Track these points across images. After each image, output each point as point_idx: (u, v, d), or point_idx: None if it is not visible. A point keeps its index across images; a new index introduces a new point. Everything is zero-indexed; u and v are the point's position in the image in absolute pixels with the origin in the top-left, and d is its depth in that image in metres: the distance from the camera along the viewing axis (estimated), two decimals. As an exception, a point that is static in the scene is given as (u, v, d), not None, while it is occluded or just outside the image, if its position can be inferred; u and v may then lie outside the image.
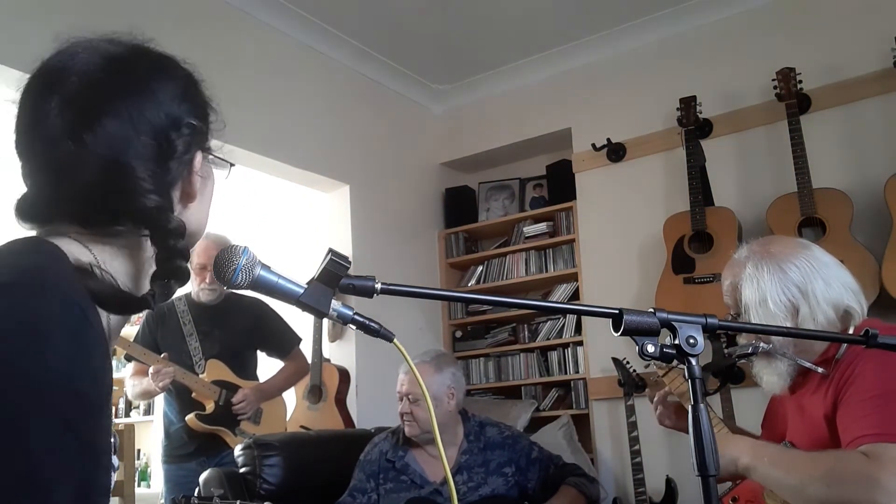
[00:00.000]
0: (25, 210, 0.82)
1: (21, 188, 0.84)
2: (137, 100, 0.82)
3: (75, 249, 0.79)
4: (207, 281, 3.00)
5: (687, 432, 0.95)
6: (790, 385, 1.62)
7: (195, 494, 2.04)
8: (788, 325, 1.55)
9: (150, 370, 2.84)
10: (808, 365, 1.56)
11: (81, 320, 0.70)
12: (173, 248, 0.82)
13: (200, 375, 2.98)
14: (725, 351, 1.69)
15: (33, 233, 0.83)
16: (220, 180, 0.96)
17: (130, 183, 0.79)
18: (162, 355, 2.90)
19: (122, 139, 0.80)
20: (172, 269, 0.82)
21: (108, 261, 0.81)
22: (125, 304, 0.80)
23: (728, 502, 1.67)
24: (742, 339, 1.66)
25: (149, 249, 0.84)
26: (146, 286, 0.85)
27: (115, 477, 0.87)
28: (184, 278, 0.84)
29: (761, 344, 1.59)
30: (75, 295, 0.72)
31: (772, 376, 1.61)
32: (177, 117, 0.84)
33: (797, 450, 1.56)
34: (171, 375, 2.85)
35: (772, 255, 1.61)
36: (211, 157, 0.91)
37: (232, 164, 0.96)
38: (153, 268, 0.83)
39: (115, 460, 0.82)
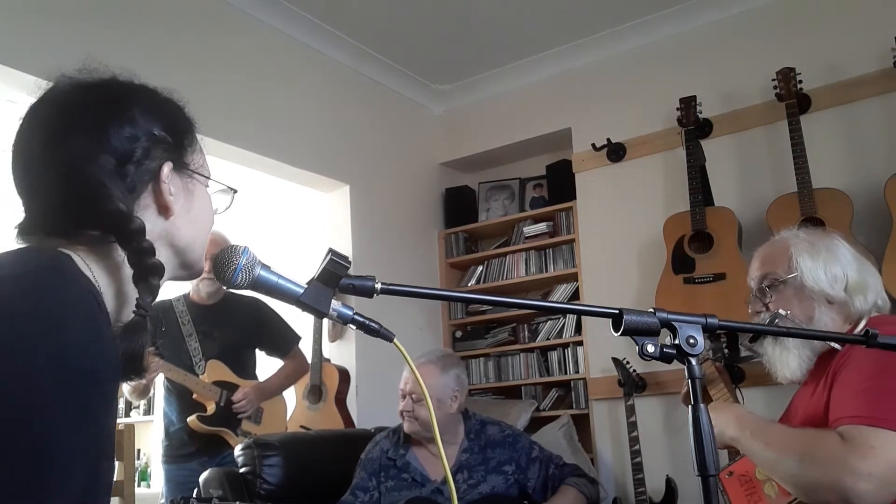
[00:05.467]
0: (20, 230, 0.90)
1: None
2: (101, 119, 0.88)
3: (69, 254, 0.83)
4: (206, 269, 2.99)
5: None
6: (805, 373, 1.64)
7: (194, 495, 2.03)
8: (836, 296, 1.62)
9: None
10: (820, 335, 1.58)
11: (95, 308, 0.76)
12: (138, 247, 0.85)
13: (201, 376, 2.98)
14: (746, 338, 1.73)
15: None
16: (212, 169, 1.01)
17: (91, 189, 0.84)
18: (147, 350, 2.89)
19: (85, 151, 0.86)
20: (144, 266, 0.85)
21: (94, 268, 0.85)
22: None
23: (724, 476, 1.69)
24: (758, 317, 1.70)
25: (122, 254, 0.87)
26: (121, 292, 0.88)
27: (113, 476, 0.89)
28: (158, 271, 0.87)
29: (780, 311, 1.63)
30: (89, 285, 0.79)
31: (793, 362, 1.64)
32: (137, 132, 0.89)
33: (779, 424, 1.59)
34: (159, 367, 2.85)
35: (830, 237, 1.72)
36: (194, 173, 0.95)
37: (235, 191, 1.03)
38: (128, 270, 0.87)
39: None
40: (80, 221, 0.85)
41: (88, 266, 0.84)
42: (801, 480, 1.43)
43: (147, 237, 0.86)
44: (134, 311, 0.84)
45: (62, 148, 0.86)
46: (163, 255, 0.90)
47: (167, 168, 0.91)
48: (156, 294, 0.86)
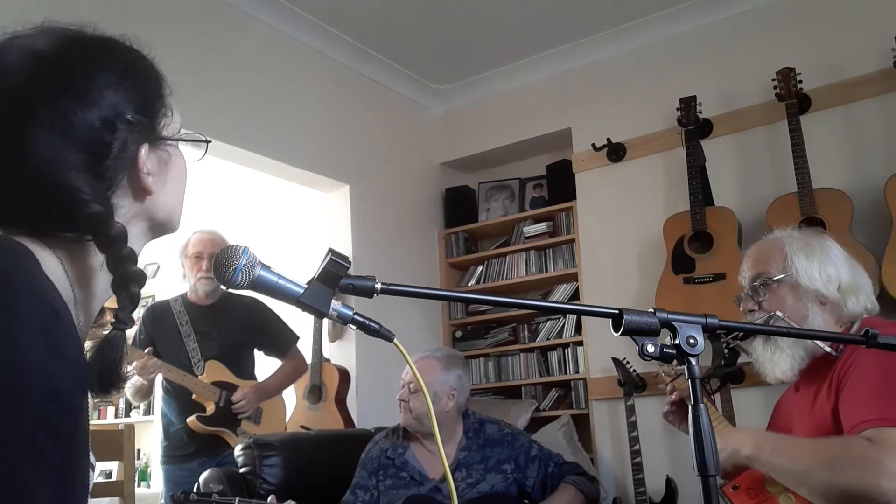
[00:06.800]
0: None
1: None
2: (65, 106, 0.78)
3: (37, 249, 0.78)
4: (204, 269, 3.00)
5: (687, 433, 0.95)
6: (797, 373, 1.63)
7: (194, 490, 2.04)
8: (830, 297, 1.63)
9: (136, 365, 2.84)
10: (820, 335, 1.57)
11: (52, 317, 0.69)
12: (118, 254, 0.79)
13: (200, 377, 2.98)
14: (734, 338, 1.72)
15: None
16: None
17: (66, 195, 0.77)
18: (146, 350, 2.91)
19: (52, 153, 0.77)
20: (125, 275, 0.80)
21: (64, 260, 0.80)
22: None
23: (729, 490, 1.67)
24: (750, 316, 1.69)
25: (98, 254, 0.81)
26: (98, 291, 0.83)
27: (94, 477, 0.86)
28: (140, 280, 0.81)
29: (776, 312, 1.62)
30: (44, 292, 0.71)
31: (784, 362, 1.63)
32: (109, 116, 0.80)
33: (798, 437, 1.57)
34: (158, 367, 2.86)
35: (823, 237, 1.72)
36: (168, 142, 0.87)
37: (208, 141, 0.94)
38: (106, 273, 0.81)
39: (91, 458, 0.81)
40: (53, 223, 0.78)
41: (61, 261, 0.78)
42: (835, 489, 1.41)
43: (123, 222, 0.81)
44: (112, 324, 0.79)
45: (22, 145, 0.76)
46: (138, 228, 0.85)
47: (144, 151, 0.83)
48: (136, 303, 0.80)
